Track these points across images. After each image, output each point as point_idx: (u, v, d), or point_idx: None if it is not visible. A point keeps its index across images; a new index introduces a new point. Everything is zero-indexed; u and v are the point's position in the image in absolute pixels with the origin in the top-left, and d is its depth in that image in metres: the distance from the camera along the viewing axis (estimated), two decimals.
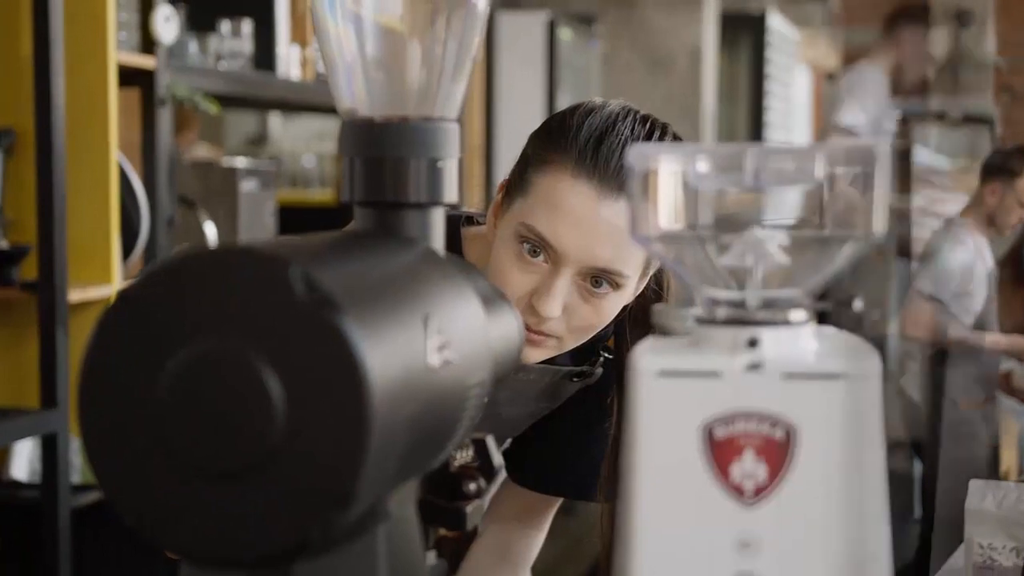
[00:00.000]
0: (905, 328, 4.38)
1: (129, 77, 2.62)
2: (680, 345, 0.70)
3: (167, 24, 2.61)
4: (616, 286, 1.26)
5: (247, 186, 3.08)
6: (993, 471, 4.31)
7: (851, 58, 9.78)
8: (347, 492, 0.60)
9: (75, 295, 2.38)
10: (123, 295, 0.62)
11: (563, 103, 6.18)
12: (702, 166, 0.69)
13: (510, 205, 1.28)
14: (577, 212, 1.22)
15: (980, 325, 4.40)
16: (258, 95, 3.16)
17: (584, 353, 1.41)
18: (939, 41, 4.57)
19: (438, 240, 0.80)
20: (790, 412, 0.66)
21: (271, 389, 0.59)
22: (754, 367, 0.66)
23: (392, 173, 0.78)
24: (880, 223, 0.67)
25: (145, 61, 2.64)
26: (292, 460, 0.60)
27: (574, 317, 1.26)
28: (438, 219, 0.80)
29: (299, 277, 0.60)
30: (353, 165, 0.79)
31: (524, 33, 4.91)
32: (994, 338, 4.43)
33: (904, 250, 4.42)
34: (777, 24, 7.51)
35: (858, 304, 3.69)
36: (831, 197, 0.67)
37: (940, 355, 4.42)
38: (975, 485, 1.96)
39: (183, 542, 0.62)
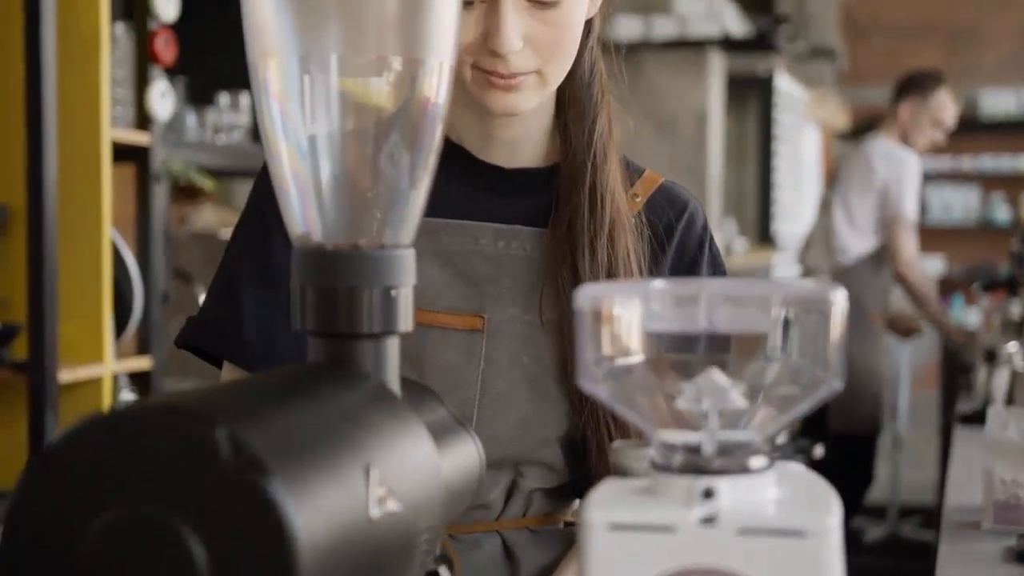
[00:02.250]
0: (902, 266, 4.34)
1: (125, 152, 2.62)
2: (634, 492, 0.67)
3: (163, 100, 2.61)
4: None
5: None
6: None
7: (859, 117, 9.81)
8: None
9: (66, 375, 2.35)
10: (44, 454, 0.59)
11: None
12: (656, 306, 0.66)
13: None
14: None
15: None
16: (255, 168, 3.14)
17: None
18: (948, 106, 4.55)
19: (392, 370, 0.77)
20: (747, 569, 0.63)
21: (195, 556, 0.57)
22: (709, 521, 0.63)
23: (345, 303, 0.76)
24: (838, 370, 0.64)
25: (140, 137, 2.63)
26: None
27: (538, 43, 1.18)
28: (393, 349, 0.77)
29: (226, 438, 0.57)
30: (305, 293, 0.77)
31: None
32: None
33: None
34: (785, 85, 7.52)
35: (818, 451, 3.62)
36: (790, 342, 0.65)
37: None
38: (994, 412, 1.79)
39: None
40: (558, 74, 1.21)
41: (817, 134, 9.21)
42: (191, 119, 2.89)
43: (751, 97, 7.22)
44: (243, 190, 4.46)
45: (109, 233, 2.47)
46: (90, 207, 2.44)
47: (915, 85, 4.49)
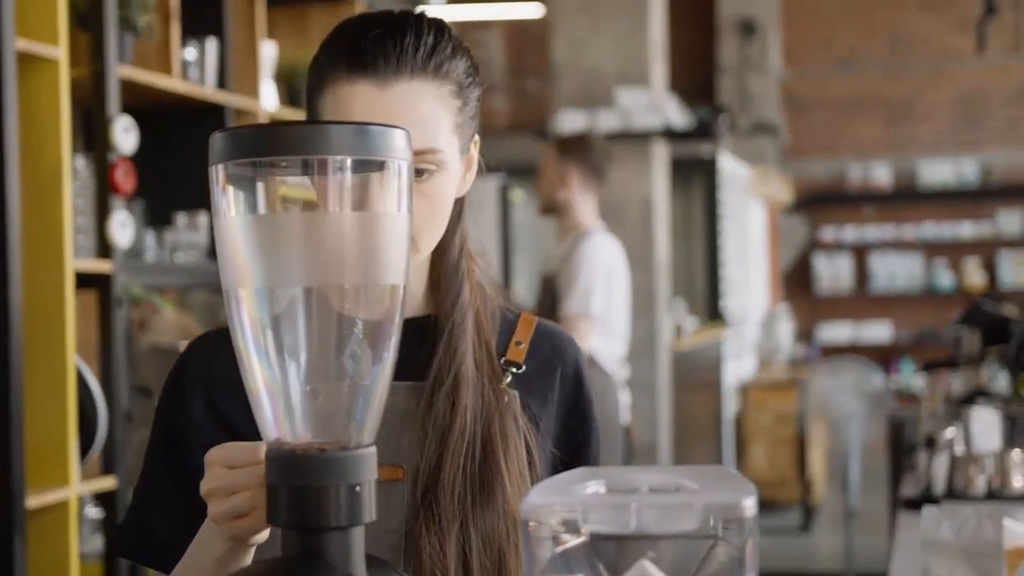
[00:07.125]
0: None
1: (87, 279, 2.70)
2: None
3: (123, 229, 2.70)
4: (438, 166, 1.21)
5: None
6: None
7: (803, 190, 10.02)
8: None
9: (32, 501, 2.41)
10: None
11: (518, 263, 6.29)
12: (593, 516, 0.76)
13: None
14: (363, 110, 1.17)
15: None
16: (214, 283, 3.24)
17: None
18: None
19: (358, 557, 0.87)
20: None
21: None
22: None
23: (313, 501, 0.86)
24: (754, 563, 0.74)
25: (101, 266, 2.71)
26: None
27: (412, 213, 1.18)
28: (358, 537, 0.87)
29: None
30: (277, 492, 0.86)
31: (476, 197, 4.98)
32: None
33: None
34: (728, 164, 7.70)
35: None
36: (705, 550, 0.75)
37: None
38: (929, 512, 1.88)
39: None
40: (429, 243, 1.24)
41: (762, 209, 9.41)
42: (151, 240, 2.98)
43: (695, 178, 7.40)
44: (200, 301, 4.51)
45: (73, 359, 2.55)
46: (54, 335, 2.51)
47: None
